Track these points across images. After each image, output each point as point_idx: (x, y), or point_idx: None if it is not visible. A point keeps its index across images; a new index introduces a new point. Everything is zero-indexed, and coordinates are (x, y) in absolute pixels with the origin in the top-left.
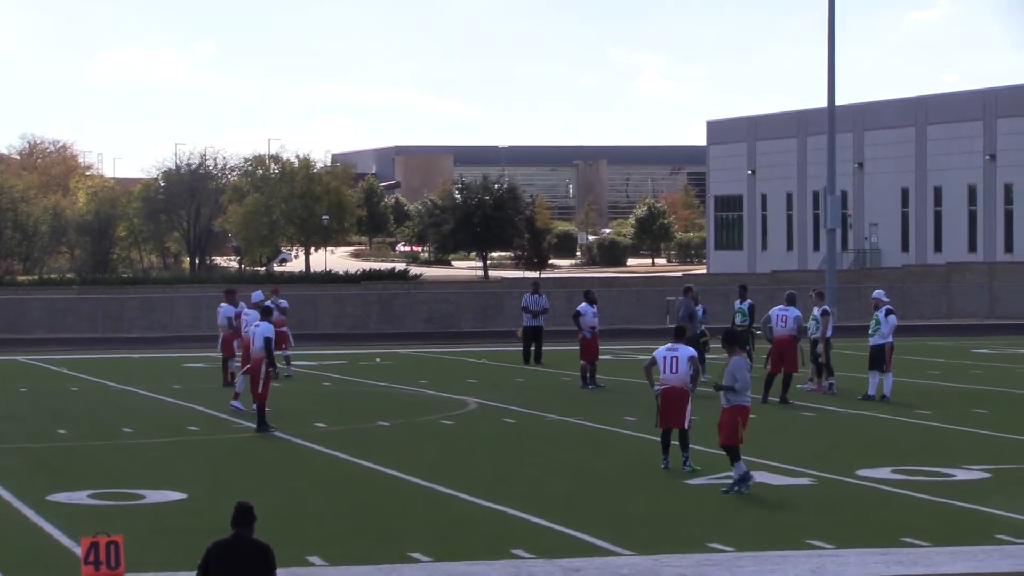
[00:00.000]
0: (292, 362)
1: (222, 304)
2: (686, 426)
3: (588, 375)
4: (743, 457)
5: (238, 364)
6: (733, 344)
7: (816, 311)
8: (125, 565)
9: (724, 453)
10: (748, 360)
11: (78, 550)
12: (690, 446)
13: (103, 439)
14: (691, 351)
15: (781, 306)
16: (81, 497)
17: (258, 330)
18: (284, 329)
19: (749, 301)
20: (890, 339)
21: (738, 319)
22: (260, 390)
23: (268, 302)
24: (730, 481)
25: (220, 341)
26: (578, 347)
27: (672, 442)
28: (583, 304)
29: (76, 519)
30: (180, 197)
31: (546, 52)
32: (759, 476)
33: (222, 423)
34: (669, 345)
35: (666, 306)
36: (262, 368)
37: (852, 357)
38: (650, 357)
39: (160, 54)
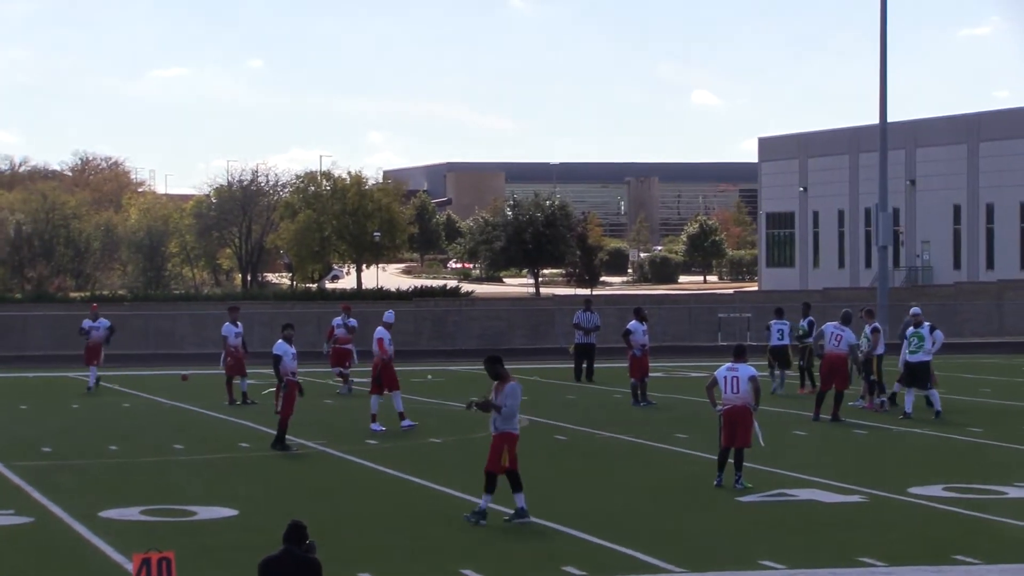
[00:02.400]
0: (350, 379)
1: (226, 323)
2: (760, 443)
3: (639, 393)
4: None
5: (249, 382)
6: (503, 367)
7: (867, 328)
8: None
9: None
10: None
11: (130, 566)
12: (744, 464)
13: (155, 455)
14: (752, 371)
15: (836, 323)
16: (133, 513)
17: (275, 347)
18: (348, 347)
19: (810, 318)
20: (929, 356)
21: (798, 334)
22: (280, 408)
23: (336, 319)
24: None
25: (228, 359)
26: (628, 364)
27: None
28: (633, 322)
29: (128, 535)
30: (232, 214)
31: (597, 70)
32: (811, 494)
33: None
34: (729, 365)
35: (717, 323)
36: (292, 389)
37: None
38: (711, 377)
39: (210, 71)
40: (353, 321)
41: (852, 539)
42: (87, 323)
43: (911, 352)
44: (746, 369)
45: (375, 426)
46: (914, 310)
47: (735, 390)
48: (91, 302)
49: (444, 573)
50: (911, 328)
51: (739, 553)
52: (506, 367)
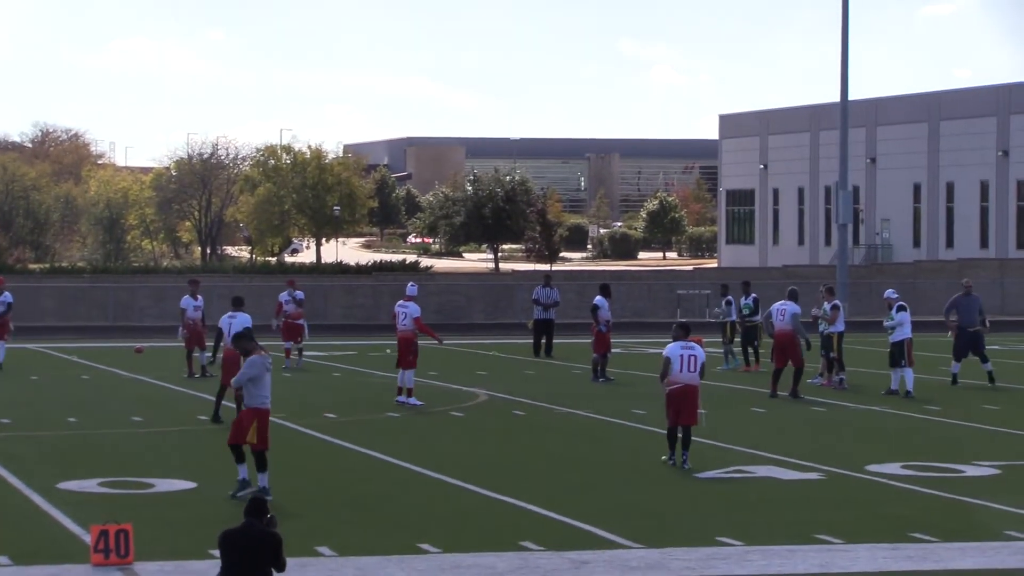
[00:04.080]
0: (303, 352)
1: (185, 296)
2: (702, 423)
3: (599, 368)
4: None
5: (208, 355)
6: (249, 341)
7: (827, 306)
8: (134, 553)
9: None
10: (266, 360)
11: (88, 538)
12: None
13: (113, 428)
14: (702, 351)
15: (782, 301)
16: (91, 485)
17: (234, 321)
18: (300, 322)
19: (754, 295)
20: (908, 335)
21: (744, 313)
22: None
23: (283, 294)
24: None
25: (184, 332)
26: (591, 340)
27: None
28: (600, 297)
29: (86, 507)
30: (192, 187)
31: (558, 45)
32: (768, 471)
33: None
34: (683, 343)
35: (676, 299)
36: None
37: (863, 353)
38: (665, 359)
39: (171, 42)
40: (300, 294)
41: (809, 516)
42: None
43: (889, 334)
44: (701, 351)
45: (413, 400)
46: (887, 293)
47: (691, 369)
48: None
49: (402, 547)
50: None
51: (696, 529)
52: (257, 342)
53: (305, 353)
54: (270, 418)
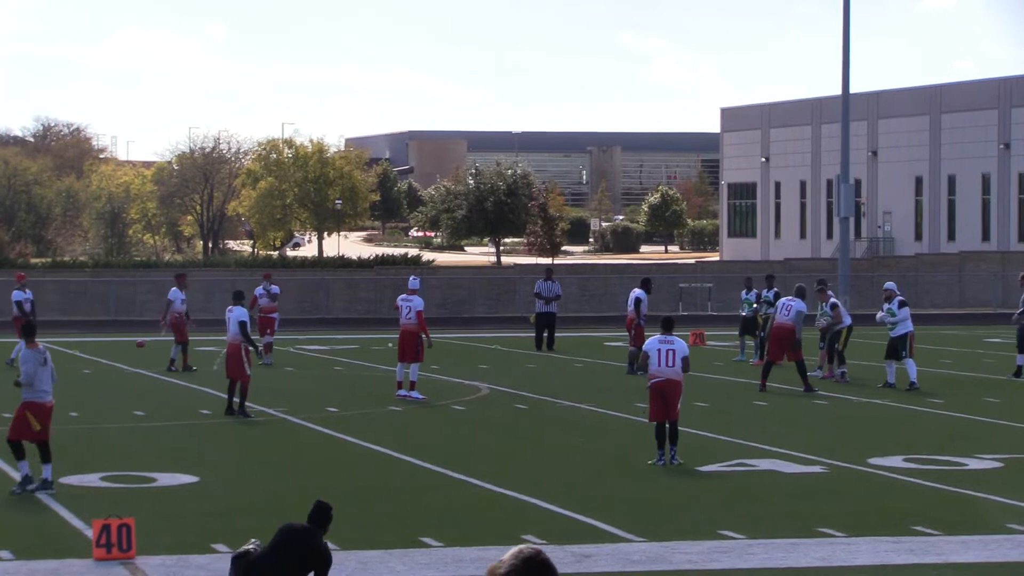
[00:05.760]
0: (272, 347)
1: (173, 288)
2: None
3: (633, 361)
4: None
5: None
6: (29, 336)
7: (825, 306)
8: (137, 548)
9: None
10: (40, 354)
11: (90, 532)
12: (680, 430)
13: (115, 422)
14: (687, 349)
15: (789, 297)
16: (93, 480)
17: (232, 315)
18: (273, 315)
19: (775, 290)
20: (910, 328)
21: (764, 308)
22: (247, 375)
23: (259, 288)
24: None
25: (175, 326)
26: (625, 333)
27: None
28: (641, 291)
29: (88, 502)
30: (194, 181)
31: (559, 38)
32: (771, 464)
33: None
34: (661, 336)
35: (679, 293)
36: (242, 353)
37: (864, 346)
38: (643, 353)
39: (172, 37)
40: (276, 288)
41: (812, 510)
42: (18, 295)
43: (889, 328)
44: (681, 345)
45: (416, 394)
46: (887, 285)
47: (670, 363)
48: (16, 271)
49: (404, 541)
50: (884, 304)
51: (698, 523)
52: (27, 335)
53: (307, 347)
54: (52, 410)
